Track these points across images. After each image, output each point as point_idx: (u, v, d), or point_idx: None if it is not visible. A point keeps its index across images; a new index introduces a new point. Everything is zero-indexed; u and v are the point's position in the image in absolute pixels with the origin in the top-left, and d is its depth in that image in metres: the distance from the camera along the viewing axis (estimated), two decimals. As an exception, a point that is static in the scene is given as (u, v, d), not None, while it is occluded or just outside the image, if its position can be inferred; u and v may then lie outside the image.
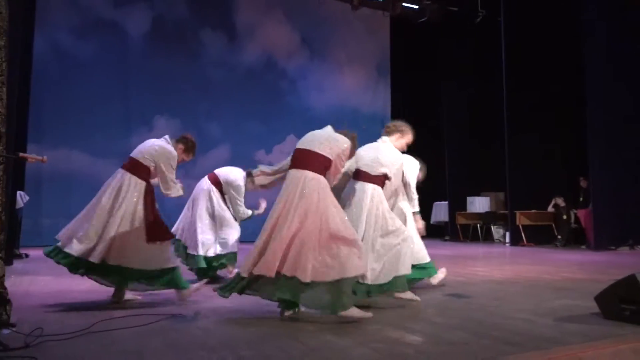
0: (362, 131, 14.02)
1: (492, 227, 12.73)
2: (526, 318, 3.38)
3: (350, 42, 14.08)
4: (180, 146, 4.30)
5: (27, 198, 8.18)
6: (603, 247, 9.32)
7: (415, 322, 3.24)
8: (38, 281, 5.26)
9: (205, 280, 4.51)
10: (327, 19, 13.80)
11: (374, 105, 14.41)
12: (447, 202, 13.13)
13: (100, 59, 11.16)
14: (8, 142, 3.52)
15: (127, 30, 11.54)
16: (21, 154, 3.92)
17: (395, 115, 14.45)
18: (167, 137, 4.24)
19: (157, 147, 4.04)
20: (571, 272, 5.76)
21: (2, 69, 3.17)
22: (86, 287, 4.82)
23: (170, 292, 4.46)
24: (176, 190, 4.05)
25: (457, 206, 12.83)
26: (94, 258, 3.67)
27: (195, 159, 13.36)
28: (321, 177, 3.38)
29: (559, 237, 10.84)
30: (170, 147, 4.10)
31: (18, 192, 7.63)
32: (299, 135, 13.30)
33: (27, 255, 7.86)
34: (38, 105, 10.18)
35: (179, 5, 12.11)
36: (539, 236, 11.03)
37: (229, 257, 5.22)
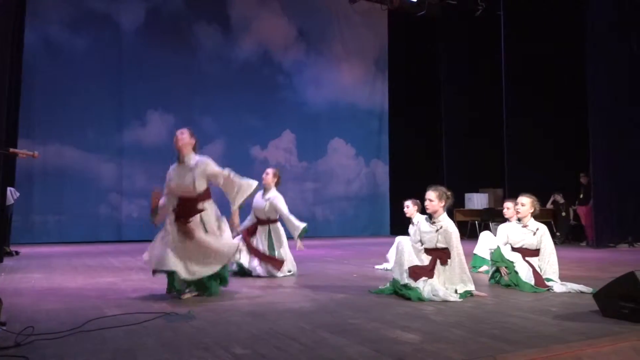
0: (362, 126, 13.91)
1: (490, 224, 12.70)
2: (525, 316, 3.35)
3: (348, 36, 13.99)
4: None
5: (18, 194, 8.10)
6: (602, 245, 9.31)
7: (413, 321, 3.20)
8: (28, 279, 5.18)
9: None
10: (324, 12, 13.71)
11: (372, 100, 14.34)
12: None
13: (92, 53, 11.06)
14: (-2, 137, 3.45)
15: (120, 24, 11.42)
16: (12, 150, 3.87)
17: (393, 111, 14.43)
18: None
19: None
20: (570, 270, 5.73)
21: (-9, 63, 3.09)
22: (78, 285, 4.77)
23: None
24: None
25: (455, 203, 12.76)
26: None
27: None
28: None
29: (558, 234, 10.81)
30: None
31: (8, 189, 7.55)
32: (295, 131, 13.34)
33: (17, 253, 7.78)
34: (29, 99, 10.09)
35: (173, -2, 12.00)
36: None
37: None
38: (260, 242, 5.58)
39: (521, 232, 4.80)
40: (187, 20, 12.08)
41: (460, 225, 12.74)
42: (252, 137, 12.68)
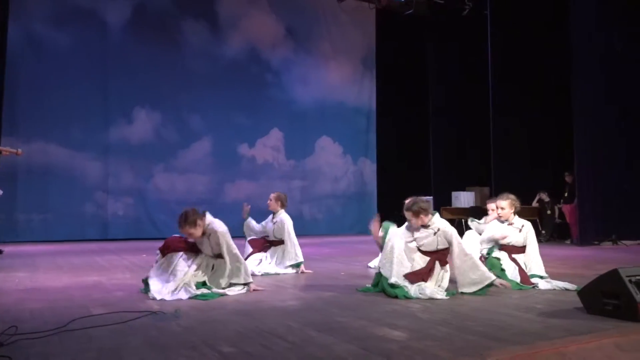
0: (350, 124, 13.99)
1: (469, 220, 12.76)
2: (510, 313, 3.38)
3: (336, 34, 14.00)
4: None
5: (1, 192, 7.97)
6: (587, 242, 9.42)
7: (400, 319, 3.21)
8: (12, 278, 5.11)
9: None
10: (312, 10, 13.70)
11: (360, 98, 14.36)
12: (432, 197, 13.18)
13: (77, 49, 10.92)
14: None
15: (106, 20, 11.30)
16: (-6, 147, 3.80)
17: (380, 109, 14.46)
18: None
19: None
20: (555, 267, 5.79)
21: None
22: (62, 284, 4.72)
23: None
24: None
25: (442, 201, 12.87)
26: None
27: (175, 152, 13.20)
28: None
29: (543, 232, 10.91)
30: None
31: (-8, 187, 7.44)
32: (283, 129, 13.37)
33: (0, 252, 7.66)
34: (12, 96, 9.98)
35: (161, -6, 11.89)
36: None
37: None
38: (266, 258, 5.75)
39: (508, 230, 4.84)
40: (174, 17, 11.99)
41: (447, 224, 12.87)
42: (239, 135, 12.64)
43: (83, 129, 10.95)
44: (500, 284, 4.32)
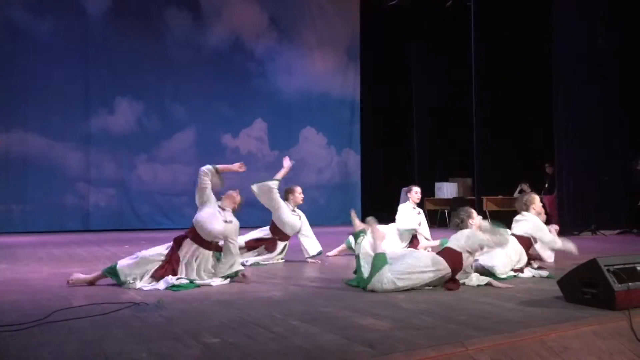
0: (334, 115, 13.86)
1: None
2: (492, 302, 3.43)
3: (320, 24, 13.91)
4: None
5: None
6: (567, 232, 9.57)
7: (384, 308, 3.24)
8: (-8, 269, 5.04)
9: None
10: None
11: (344, 89, 14.32)
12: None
13: (58, 37, 10.72)
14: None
15: (86, 7, 11.09)
16: (-28, 136, 3.73)
17: (364, 100, 14.46)
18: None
19: None
20: (534, 256, 5.87)
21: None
22: (43, 276, 4.67)
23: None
24: None
25: (425, 192, 12.94)
26: None
27: (158, 142, 13.04)
28: None
29: (524, 222, 11.04)
30: None
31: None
32: (267, 119, 13.24)
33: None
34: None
35: (142, -18, 11.69)
36: (505, 221, 11.09)
37: None
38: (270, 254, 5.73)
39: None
40: (156, 5, 11.80)
41: (430, 214, 12.98)
42: (223, 125, 12.54)
43: (63, 118, 10.77)
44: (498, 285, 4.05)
